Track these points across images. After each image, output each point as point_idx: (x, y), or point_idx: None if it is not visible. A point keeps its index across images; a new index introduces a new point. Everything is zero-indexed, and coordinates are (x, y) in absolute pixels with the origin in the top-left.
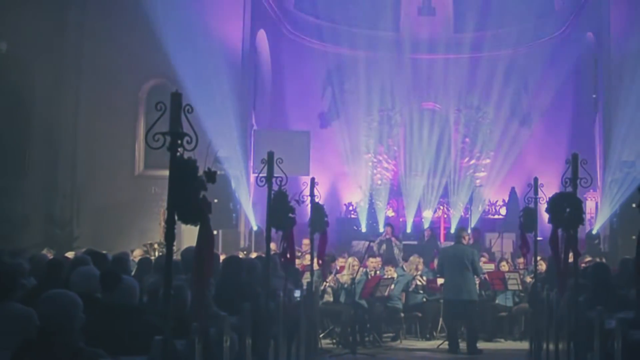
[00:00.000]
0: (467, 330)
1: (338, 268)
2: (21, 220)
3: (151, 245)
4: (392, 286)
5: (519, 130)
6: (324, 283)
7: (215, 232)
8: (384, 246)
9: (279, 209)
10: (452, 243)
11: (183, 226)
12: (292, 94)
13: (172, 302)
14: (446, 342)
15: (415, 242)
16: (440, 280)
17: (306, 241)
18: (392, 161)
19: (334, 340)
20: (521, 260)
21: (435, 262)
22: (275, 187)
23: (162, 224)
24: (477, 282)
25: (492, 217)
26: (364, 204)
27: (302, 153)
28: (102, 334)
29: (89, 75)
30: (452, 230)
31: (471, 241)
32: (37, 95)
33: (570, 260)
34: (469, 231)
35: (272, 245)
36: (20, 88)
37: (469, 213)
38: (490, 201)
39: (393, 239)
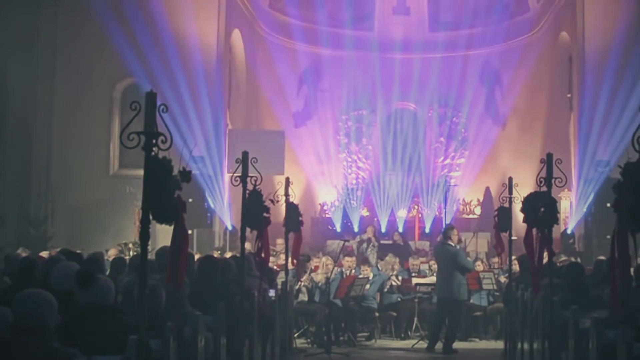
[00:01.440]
0: (448, 329)
1: (313, 267)
2: None
3: (126, 244)
4: (367, 286)
5: (494, 130)
6: (299, 282)
7: (189, 232)
8: (364, 245)
9: (253, 208)
10: (428, 243)
11: (158, 226)
12: (266, 93)
13: (146, 301)
14: (421, 342)
15: (392, 242)
16: (415, 280)
17: (280, 240)
18: (366, 161)
19: (309, 340)
20: (496, 259)
21: (411, 261)
22: (249, 187)
23: (137, 223)
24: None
25: (466, 216)
26: (338, 203)
27: (276, 153)
28: (77, 334)
29: (63, 74)
30: (427, 230)
31: (455, 238)
32: (11, 95)
33: (545, 259)
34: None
35: (247, 245)
36: None
37: (444, 212)
38: (464, 200)
39: (373, 239)
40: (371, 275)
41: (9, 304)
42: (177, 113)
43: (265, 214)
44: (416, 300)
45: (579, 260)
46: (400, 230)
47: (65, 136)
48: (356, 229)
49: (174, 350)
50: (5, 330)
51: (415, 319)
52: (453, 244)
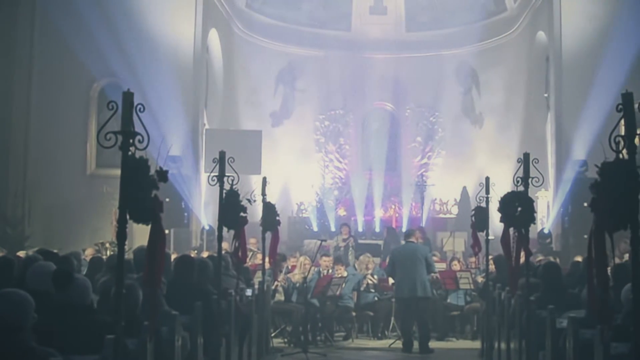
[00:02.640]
0: (419, 328)
1: (289, 267)
2: None
3: (103, 244)
4: (343, 285)
5: (470, 129)
6: (276, 282)
7: (166, 231)
8: (343, 244)
9: (230, 208)
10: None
11: (135, 225)
12: (243, 93)
13: (123, 301)
14: (398, 341)
15: (373, 241)
16: (391, 280)
17: (252, 240)
18: (343, 160)
19: (286, 340)
20: (473, 259)
21: (387, 260)
22: (226, 186)
23: (114, 223)
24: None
25: (443, 216)
26: (315, 203)
27: (253, 152)
28: (54, 333)
29: (39, 73)
30: (404, 229)
31: (420, 240)
32: None
33: (522, 259)
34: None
35: (224, 245)
36: None
37: (420, 212)
38: (441, 200)
39: (351, 239)
40: (345, 275)
41: None
42: (154, 112)
43: (242, 214)
44: (393, 299)
45: (556, 259)
46: (378, 230)
47: (42, 135)
48: (333, 229)
49: (151, 349)
50: None
51: (392, 318)
52: (415, 242)
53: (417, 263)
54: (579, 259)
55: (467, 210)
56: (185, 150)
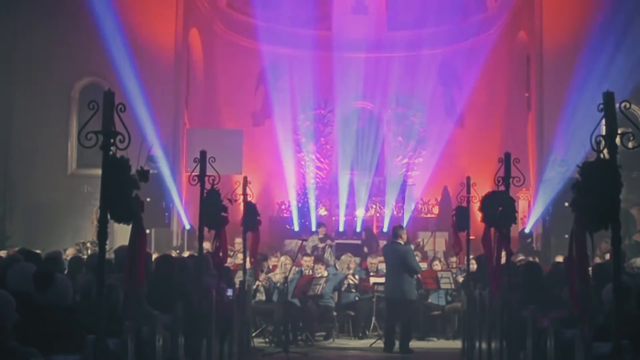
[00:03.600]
0: (402, 329)
1: (270, 267)
2: None
3: (84, 244)
4: (324, 284)
5: (452, 129)
6: (257, 282)
7: (147, 231)
8: (322, 244)
9: (211, 207)
10: (386, 242)
11: (116, 225)
12: (224, 92)
13: (104, 301)
14: (379, 341)
15: (353, 241)
16: (372, 279)
17: (238, 240)
18: (325, 160)
19: (267, 339)
20: (454, 259)
21: (369, 260)
22: (207, 186)
23: (95, 222)
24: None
25: (424, 215)
26: (296, 202)
27: (234, 152)
28: (35, 333)
29: (21, 73)
30: (385, 229)
31: (405, 238)
32: None
33: (503, 259)
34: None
35: (205, 244)
36: None
37: (402, 212)
38: (423, 200)
39: (329, 240)
40: (326, 274)
41: None
42: (135, 112)
43: (223, 214)
44: (374, 299)
45: (537, 259)
46: (358, 230)
47: (23, 135)
48: (314, 229)
49: (132, 349)
50: None
51: (373, 318)
52: (402, 243)
53: (400, 265)
54: (560, 259)
55: (448, 210)
56: (166, 150)
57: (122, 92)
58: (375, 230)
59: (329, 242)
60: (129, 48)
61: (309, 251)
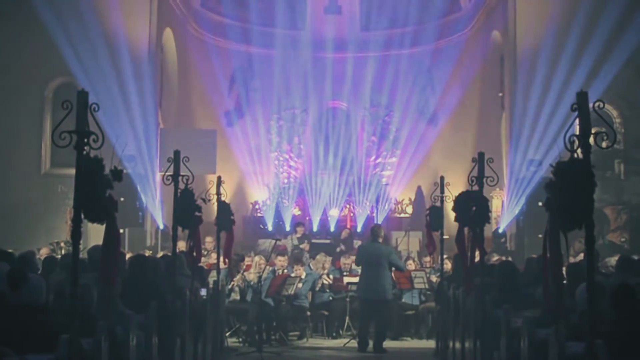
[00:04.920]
0: (376, 329)
1: (245, 267)
2: None
3: (57, 243)
4: (300, 284)
5: (426, 129)
6: (232, 282)
7: (121, 231)
8: (302, 245)
9: (185, 207)
10: (360, 242)
11: (89, 225)
12: (198, 92)
13: (78, 300)
14: (352, 341)
15: (328, 241)
16: (347, 279)
17: (209, 239)
18: (298, 160)
19: (240, 339)
20: (428, 258)
21: (343, 260)
22: (181, 186)
23: (69, 222)
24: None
25: (398, 215)
26: (270, 202)
27: (208, 152)
28: (9, 333)
29: None
30: (359, 229)
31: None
32: None
33: (477, 258)
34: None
35: (179, 244)
36: None
37: (376, 212)
38: (396, 200)
39: (306, 243)
40: (304, 275)
41: None
42: (109, 112)
43: (197, 213)
44: (348, 299)
45: (510, 259)
46: (332, 229)
47: None
48: (288, 228)
49: (105, 349)
50: None
51: (347, 318)
52: (381, 242)
53: (381, 265)
54: (533, 256)
55: (422, 210)
56: (140, 150)
57: (95, 92)
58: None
59: (306, 243)
60: (103, 48)
61: (289, 250)
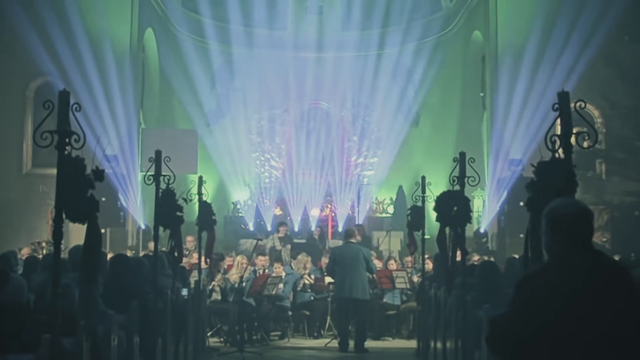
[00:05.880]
0: (356, 329)
1: (226, 267)
2: None
3: (39, 243)
4: (281, 285)
5: (407, 129)
6: (212, 282)
7: (102, 231)
8: (279, 246)
9: (166, 207)
10: (341, 242)
11: (71, 224)
12: (180, 92)
13: (59, 300)
14: (334, 341)
15: (304, 241)
16: (328, 279)
17: (190, 238)
18: (279, 160)
19: (222, 339)
20: (409, 258)
21: (324, 260)
22: (163, 186)
23: (50, 222)
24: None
25: (379, 215)
26: (251, 202)
27: (189, 151)
28: None
29: None
30: (340, 229)
31: (359, 238)
32: None
33: (458, 258)
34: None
35: (161, 244)
36: None
37: (357, 211)
38: (377, 199)
39: (288, 245)
40: (284, 274)
41: None
42: (91, 112)
43: (178, 213)
44: (329, 299)
45: (492, 259)
46: (313, 229)
47: None
48: (269, 228)
49: (87, 349)
50: None
51: (328, 317)
52: (355, 242)
53: (358, 264)
54: (515, 255)
55: (403, 210)
56: (122, 150)
57: (77, 92)
58: (330, 230)
59: (281, 245)
60: (85, 48)
61: (267, 251)
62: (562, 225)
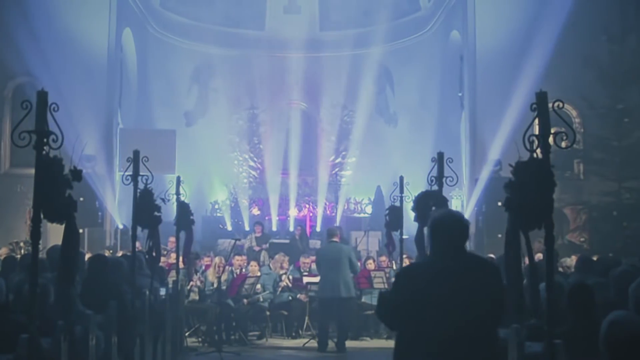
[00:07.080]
0: (338, 328)
1: (204, 267)
2: None
3: (17, 243)
4: (258, 286)
5: (385, 129)
6: (191, 283)
7: (80, 231)
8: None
9: (144, 207)
10: (319, 242)
11: (49, 224)
12: (158, 92)
13: (37, 300)
14: (312, 341)
15: (287, 241)
16: (307, 279)
17: (172, 239)
18: (258, 159)
19: (200, 339)
20: (383, 258)
21: (302, 260)
22: (141, 186)
23: (28, 222)
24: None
25: (357, 215)
26: (229, 202)
27: (167, 151)
28: None
29: None
30: (318, 229)
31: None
32: None
33: None
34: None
35: (138, 244)
36: None
37: (335, 211)
38: (355, 199)
39: (264, 245)
40: (258, 273)
41: None
42: (68, 112)
43: (156, 213)
44: (307, 299)
45: None
46: (292, 229)
47: None
48: (247, 228)
49: (65, 348)
50: None
51: (307, 317)
52: (337, 241)
53: (342, 263)
54: (492, 255)
55: (381, 210)
56: (100, 150)
57: (55, 92)
58: (308, 230)
59: (264, 246)
60: (63, 48)
61: (245, 252)
62: (438, 231)
